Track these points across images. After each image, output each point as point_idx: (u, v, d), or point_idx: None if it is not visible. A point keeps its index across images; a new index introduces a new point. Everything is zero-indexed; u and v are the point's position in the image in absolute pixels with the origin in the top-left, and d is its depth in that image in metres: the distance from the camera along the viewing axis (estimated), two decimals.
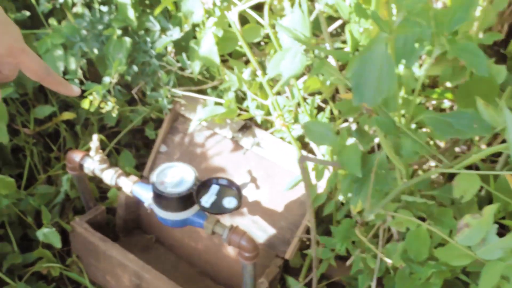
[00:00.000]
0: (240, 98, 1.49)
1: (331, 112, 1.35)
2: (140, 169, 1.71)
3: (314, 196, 1.29)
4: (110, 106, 1.32)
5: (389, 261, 1.03)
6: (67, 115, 1.66)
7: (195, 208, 1.23)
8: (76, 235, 1.44)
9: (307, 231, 1.54)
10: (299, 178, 1.31)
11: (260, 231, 1.46)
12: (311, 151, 1.43)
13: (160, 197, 1.19)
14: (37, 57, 0.85)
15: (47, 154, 1.71)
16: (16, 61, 0.81)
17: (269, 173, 1.49)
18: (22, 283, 1.36)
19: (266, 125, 1.49)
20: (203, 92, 1.52)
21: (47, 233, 1.35)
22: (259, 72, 1.21)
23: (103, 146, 1.61)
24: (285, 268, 1.48)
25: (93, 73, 1.52)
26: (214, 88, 1.50)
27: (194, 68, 1.40)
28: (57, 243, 1.37)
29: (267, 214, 1.47)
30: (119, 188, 1.34)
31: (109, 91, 1.37)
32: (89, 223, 1.45)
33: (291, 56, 1.09)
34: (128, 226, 1.63)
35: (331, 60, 1.27)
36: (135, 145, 1.80)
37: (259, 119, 1.38)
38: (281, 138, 1.48)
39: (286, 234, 1.45)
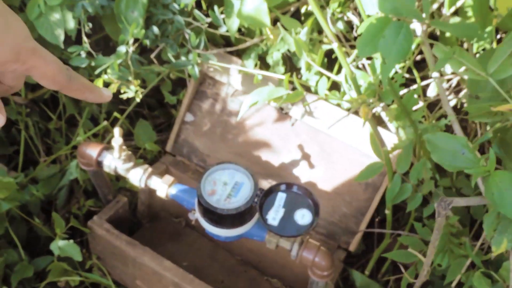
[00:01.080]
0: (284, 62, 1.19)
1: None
2: (159, 143, 1.43)
3: (396, 189, 1.04)
4: (133, 90, 1.01)
5: None
6: None
7: (255, 219, 0.97)
8: (96, 237, 1.18)
9: (373, 218, 1.30)
10: (378, 165, 1.05)
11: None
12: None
13: (211, 213, 0.92)
14: (53, 58, 0.58)
15: (45, 124, 1.41)
16: (24, 67, 0.57)
17: (325, 148, 1.22)
18: None
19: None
20: (237, 53, 1.21)
21: (63, 246, 1.09)
22: (335, 45, 0.90)
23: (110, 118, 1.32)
24: None
25: (100, 41, 1.19)
26: (252, 47, 1.19)
27: (231, 26, 1.08)
28: (77, 256, 1.11)
29: (326, 199, 1.22)
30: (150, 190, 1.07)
31: (123, 65, 1.05)
32: (110, 221, 1.19)
33: (392, 33, 0.79)
34: (152, 210, 1.37)
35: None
36: (151, 114, 1.50)
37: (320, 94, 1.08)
38: (338, 104, 1.19)
39: (349, 222, 1.21)
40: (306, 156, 1.24)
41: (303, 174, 1.24)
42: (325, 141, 1.21)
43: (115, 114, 1.25)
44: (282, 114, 1.24)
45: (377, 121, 1.13)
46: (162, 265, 1.12)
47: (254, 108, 1.26)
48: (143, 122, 1.35)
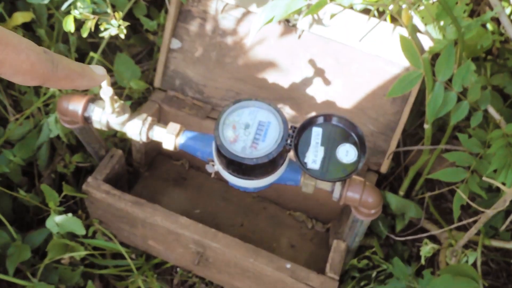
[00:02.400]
0: None
1: None
2: (143, 77, 1.24)
3: (439, 99, 0.89)
4: (115, 26, 0.81)
5: None
6: (22, 17, 1.12)
7: (286, 162, 0.82)
8: (95, 201, 1.01)
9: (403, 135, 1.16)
10: (415, 75, 0.89)
11: None
12: None
13: (237, 165, 0.76)
14: (26, 43, 0.40)
15: None
16: None
17: (340, 60, 1.05)
18: (42, 283, 0.97)
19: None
20: None
21: (62, 222, 0.93)
22: None
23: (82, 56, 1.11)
24: None
25: None
26: None
27: None
28: (80, 229, 0.95)
29: (348, 116, 1.06)
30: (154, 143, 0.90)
31: None
32: (107, 180, 1.02)
33: None
34: (149, 156, 1.20)
35: None
36: (125, 43, 1.29)
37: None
38: (351, 6, 1.01)
39: (378, 141, 1.07)
40: (319, 72, 1.07)
41: (318, 92, 1.07)
42: (340, 51, 1.04)
43: (92, 54, 1.04)
44: (287, 27, 1.05)
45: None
46: (177, 223, 0.97)
47: (249, 23, 1.07)
48: (123, 57, 1.15)
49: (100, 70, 0.49)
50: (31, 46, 0.41)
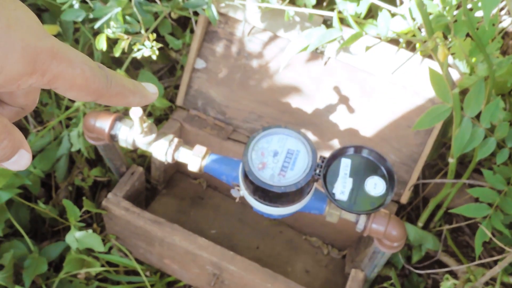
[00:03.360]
0: None
1: None
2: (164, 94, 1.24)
3: (467, 135, 0.89)
4: (148, 47, 0.81)
5: None
6: (48, 30, 1.12)
7: (312, 192, 0.81)
8: (114, 217, 1.01)
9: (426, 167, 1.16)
10: (443, 109, 0.89)
11: None
12: None
13: (264, 192, 0.76)
14: (81, 57, 0.38)
15: None
16: (45, 79, 0.36)
17: (365, 88, 1.05)
18: None
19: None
20: None
21: (82, 238, 0.92)
22: None
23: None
24: None
25: None
26: None
27: None
28: (99, 246, 0.95)
29: (370, 145, 1.06)
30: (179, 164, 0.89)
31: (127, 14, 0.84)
32: (127, 197, 1.02)
33: None
34: (167, 174, 1.20)
35: None
36: (147, 60, 1.29)
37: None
38: (377, 36, 1.01)
39: (399, 171, 1.07)
40: (343, 99, 1.07)
41: (341, 120, 1.07)
42: (365, 80, 1.04)
43: (118, 70, 1.04)
44: (313, 53, 1.05)
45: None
46: (196, 244, 0.97)
47: (278, 48, 1.07)
48: (146, 73, 1.15)
49: (152, 88, 0.48)
50: (87, 61, 0.40)
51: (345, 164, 0.77)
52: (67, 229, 1.09)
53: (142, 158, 1.20)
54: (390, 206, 1.07)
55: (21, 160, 0.38)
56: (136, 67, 1.31)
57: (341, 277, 1.11)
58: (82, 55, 0.40)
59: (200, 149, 0.86)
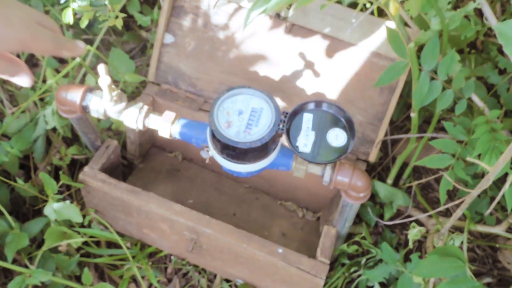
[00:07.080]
0: None
1: None
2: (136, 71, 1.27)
3: (425, 88, 0.93)
4: (113, 16, 0.84)
5: None
6: None
7: (278, 148, 0.85)
8: (92, 190, 1.04)
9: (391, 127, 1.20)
10: (401, 65, 0.92)
11: None
12: None
13: (231, 149, 0.79)
14: (51, 36, 0.68)
15: None
16: (26, 50, 0.66)
17: (329, 53, 1.08)
18: (40, 269, 0.98)
19: None
20: None
21: (60, 209, 0.95)
22: None
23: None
24: None
25: None
26: None
27: None
28: (77, 217, 0.97)
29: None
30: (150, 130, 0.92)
31: None
32: (103, 170, 1.05)
33: None
34: (143, 149, 1.23)
35: None
36: (119, 40, 1.31)
37: None
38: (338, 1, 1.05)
39: (366, 131, 1.10)
40: (309, 65, 1.10)
41: (308, 85, 1.10)
42: (329, 44, 1.07)
43: (89, 47, 1.07)
44: (277, 21, 1.08)
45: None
46: (172, 210, 1.00)
47: (242, 18, 1.10)
48: (117, 51, 1.17)
49: (81, 44, 0.72)
50: (53, 38, 0.68)
51: (307, 119, 0.81)
52: None
53: (118, 136, 1.23)
54: (359, 165, 1.11)
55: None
56: (108, 49, 1.33)
57: (317, 238, 1.15)
58: (51, 34, 0.67)
59: (169, 115, 0.88)
